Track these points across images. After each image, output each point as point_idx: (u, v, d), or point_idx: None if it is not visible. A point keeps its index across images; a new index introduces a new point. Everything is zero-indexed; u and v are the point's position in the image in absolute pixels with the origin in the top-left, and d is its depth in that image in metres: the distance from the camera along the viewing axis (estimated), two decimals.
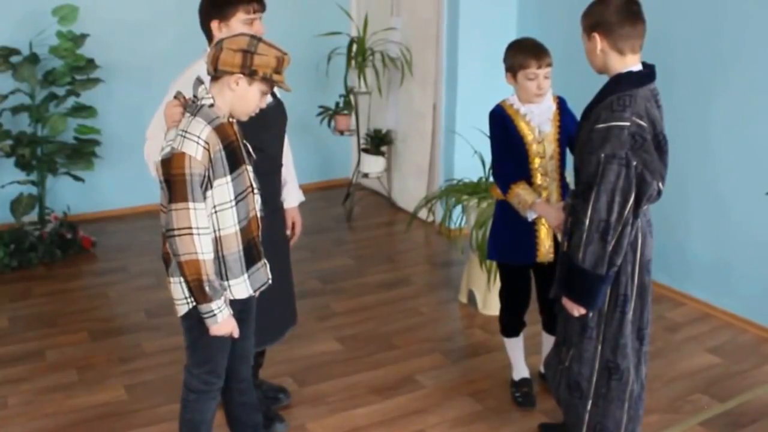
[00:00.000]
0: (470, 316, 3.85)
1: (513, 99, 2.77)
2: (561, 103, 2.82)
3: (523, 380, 3.06)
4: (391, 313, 3.87)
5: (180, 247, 2.01)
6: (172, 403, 2.97)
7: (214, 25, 2.45)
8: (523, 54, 2.66)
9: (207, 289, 2.04)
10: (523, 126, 2.73)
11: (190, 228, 2.01)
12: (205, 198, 2.04)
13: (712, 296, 3.87)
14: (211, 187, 2.05)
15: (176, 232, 2.01)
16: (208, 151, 2.01)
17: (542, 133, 2.73)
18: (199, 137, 2.00)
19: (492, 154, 2.84)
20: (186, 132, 2.01)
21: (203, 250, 2.03)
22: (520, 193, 2.70)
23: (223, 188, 2.07)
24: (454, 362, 3.38)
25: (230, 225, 2.11)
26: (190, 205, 2.00)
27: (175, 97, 2.12)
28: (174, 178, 1.99)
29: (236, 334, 2.18)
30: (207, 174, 2.02)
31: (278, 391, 3.03)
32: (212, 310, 2.08)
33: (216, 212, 2.08)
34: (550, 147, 2.74)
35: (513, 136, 2.73)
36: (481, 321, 3.79)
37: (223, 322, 2.11)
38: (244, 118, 2.14)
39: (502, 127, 2.76)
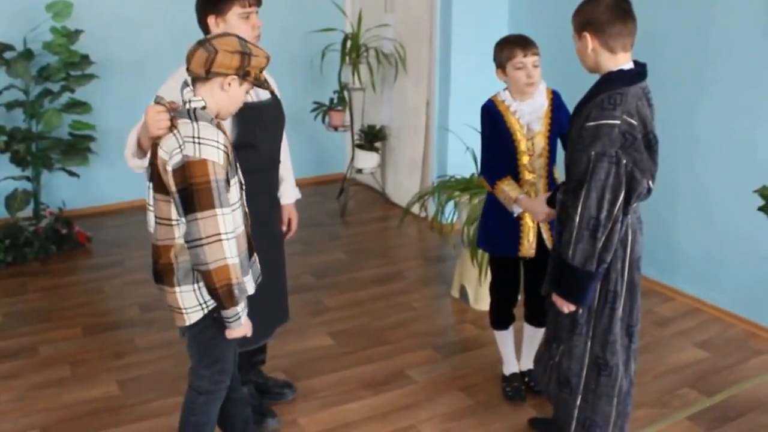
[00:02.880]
0: (462, 311, 3.88)
1: (504, 94, 2.78)
2: (555, 98, 2.81)
3: (513, 375, 3.09)
4: (383, 308, 3.89)
5: (208, 256, 1.97)
6: (165, 398, 2.99)
7: (211, 20, 2.45)
8: (509, 46, 2.69)
9: (237, 293, 2.02)
10: (513, 122, 2.74)
11: (219, 234, 1.97)
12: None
13: (700, 291, 3.90)
14: (229, 189, 2.03)
15: (204, 241, 1.96)
16: (227, 154, 2.00)
17: (531, 131, 2.74)
18: (218, 141, 1.97)
19: (481, 148, 2.86)
20: (200, 138, 1.96)
21: (232, 254, 2.00)
22: (505, 189, 2.73)
23: (234, 188, 2.07)
24: (445, 357, 3.40)
25: (239, 224, 2.11)
26: (218, 211, 1.96)
27: (157, 102, 2.05)
28: (197, 186, 1.94)
29: (249, 333, 2.16)
30: (227, 177, 2.01)
31: (283, 387, 3.05)
32: (238, 313, 2.06)
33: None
34: (539, 144, 2.75)
35: (502, 132, 2.75)
36: (472, 316, 3.81)
37: (245, 324, 2.11)
38: (227, 117, 2.15)
39: (492, 122, 2.77)
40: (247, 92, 2.11)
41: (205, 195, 1.95)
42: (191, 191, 1.95)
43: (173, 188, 1.98)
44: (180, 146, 1.96)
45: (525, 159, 2.75)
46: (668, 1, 3.84)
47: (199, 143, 1.95)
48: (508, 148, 2.75)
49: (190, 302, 2.12)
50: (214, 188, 1.95)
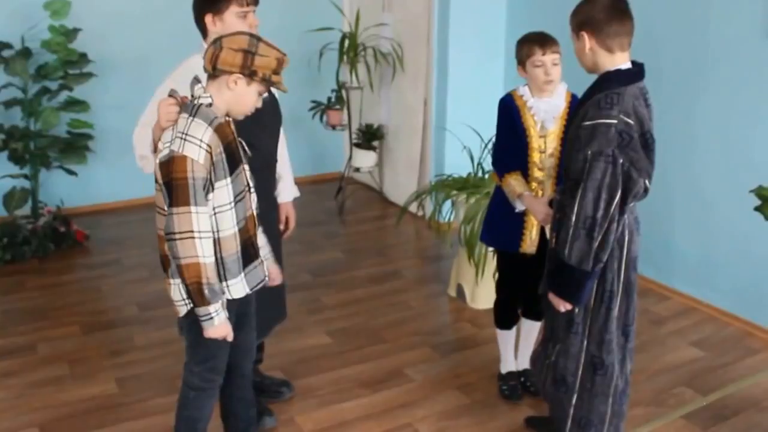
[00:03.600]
0: (459, 310, 3.89)
1: (524, 90, 2.79)
2: (573, 101, 2.80)
3: (510, 374, 3.10)
4: (380, 307, 3.91)
5: (181, 251, 2.00)
6: (163, 397, 3.00)
7: (208, 18, 2.45)
8: (529, 43, 2.70)
9: (206, 292, 2.03)
10: (528, 118, 2.75)
11: (192, 232, 2.00)
12: (206, 201, 2.03)
13: (696, 290, 3.92)
14: (213, 189, 2.04)
15: (177, 236, 2.00)
16: (210, 154, 2.00)
17: (545, 129, 2.75)
18: (201, 140, 1.98)
19: (495, 140, 2.88)
20: (186, 134, 1.99)
21: (204, 253, 2.02)
22: (512, 182, 2.74)
23: (223, 190, 2.07)
24: (442, 356, 3.42)
25: (229, 227, 2.11)
26: (192, 209, 1.99)
27: (170, 95, 2.09)
28: (175, 181, 1.97)
29: (230, 338, 2.17)
30: (209, 177, 2.01)
31: (281, 385, 3.06)
32: (209, 314, 2.07)
33: (215, 214, 2.07)
34: (552, 144, 2.75)
35: (517, 127, 2.76)
36: (469, 315, 3.82)
37: (219, 326, 2.10)
38: (240, 118, 2.14)
39: (508, 116, 2.78)
40: (261, 94, 2.10)
41: (182, 191, 1.98)
42: (171, 185, 1.99)
43: (159, 180, 2.03)
44: (171, 140, 2.00)
45: (536, 156, 2.75)
46: (666, 2, 3.86)
47: (184, 139, 1.98)
48: (520, 143, 2.76)
49: (177, 296, 2.16)
50: (190, 185, 1.97)
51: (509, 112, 2.78)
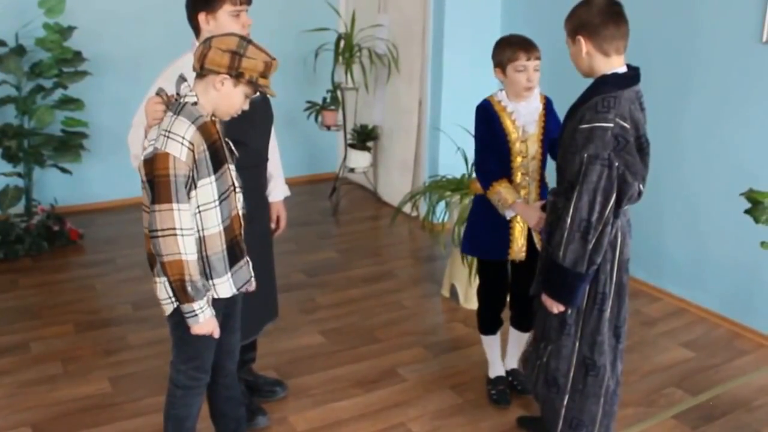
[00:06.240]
0: (452, 310, 3.91)
1: (501, 95, 2.77)
2: (548, 104, 2.82)
3: (499, 378, 3.10)
4: (374, 307, 3.92)
5: (163, 248, 2.01)
6: (157, 396, 3.00)
7: (201, 17, 2.46)
8: (513, 47, 2.68)
9: (189, 289, 2.04)
10: (508, 123, 2.74)
11: (174, 229, 2.00)
12: (189, 198, 2.04)
13: (687, 292, 3.94)
14: (195, 187, 2.05)
15: (160, 233, 2.01)
16: (193, 151, 2.01)
17: (526, 133, 2.75)
18: (183, 137, 1.99)
19: (475, 148, 2.85)
20: (169, 132, 2.00)
21: (187, 250, 2.03)
22: (501, 191, 2.72)
23: (207, 188, 2.07)
24: (435, 356, 3.43)
25: (214, 225, 2.11)
26: (174, 206, 2.00)
27: (157, 94, 2.10)
28: (158, 179, 1.99)
29: (217, 334, 2.18)
30: (191, 174, 2.02)
31: (274, 384, 3.06)
32: (194, 310, 2.08)
33: (199, 212, 2.08)
34: (533, 147, 2.76)
35: (497, 133, 2.74)
36: (462, 315, 3.84)
37: (204, 322, 2.11)
38: (226, 119, 2.15)
39: (488, 122, 2.76)
40: (248, 97, 2.10)
41: (165, 188, 1.99)
42: (154, 182, 2.00)
43: (143, 177, 2.04)
44: (156, 138, 2.01)
45: (518, 160, 2.76)
46: (656, 6, 3.88)
47: (167, 137, 2.00)
48: (502, 148, 2.75)
49: (163, 294, 2.17)
50: (172, 182, 1.98)
51: (489, 118, 2.76)
